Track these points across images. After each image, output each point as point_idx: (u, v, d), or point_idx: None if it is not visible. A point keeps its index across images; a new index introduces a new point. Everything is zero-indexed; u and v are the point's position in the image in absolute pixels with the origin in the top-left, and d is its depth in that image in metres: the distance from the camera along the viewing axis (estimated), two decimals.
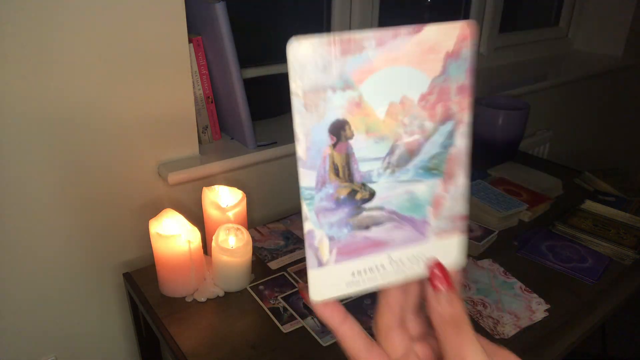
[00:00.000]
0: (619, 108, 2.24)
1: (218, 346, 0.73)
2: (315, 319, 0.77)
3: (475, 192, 1.10)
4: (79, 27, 0.77)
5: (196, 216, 0.97)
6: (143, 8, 0.82)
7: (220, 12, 0.88)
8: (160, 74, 0.88)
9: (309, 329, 0.76)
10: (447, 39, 0.25)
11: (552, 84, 1.73)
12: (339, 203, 0.27)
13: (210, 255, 0.84)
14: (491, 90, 1.57)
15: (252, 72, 1.23)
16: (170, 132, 0.93)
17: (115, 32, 0.80)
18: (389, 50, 0.24)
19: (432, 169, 0.27)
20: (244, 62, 1.10)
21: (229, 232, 0.81)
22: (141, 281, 0.87)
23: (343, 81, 0.24)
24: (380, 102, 0.25)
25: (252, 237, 0.98)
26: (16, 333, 0.90)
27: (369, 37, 0.24)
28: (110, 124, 0.86)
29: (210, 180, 1.00)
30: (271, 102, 1.17)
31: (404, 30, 0.24)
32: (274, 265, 0.91)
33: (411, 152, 0.27)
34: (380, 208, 0.27)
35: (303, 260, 0.93)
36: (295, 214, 1.09)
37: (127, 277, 0.88)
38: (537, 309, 0.81)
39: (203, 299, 0.82)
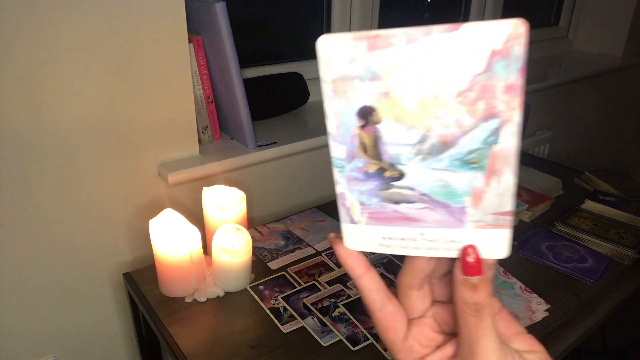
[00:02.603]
0: (619, 108, 2.24)
1: (218, 346, 0.73)
2: (315, 319, 0.77)
3: None
4: (77, 28, 0.77)
5: (196, 216, 0.97)
6: (143, 8, 0.82)
7: (220, 12, 0.88)
8: (160, 74, 0.88)
9: (309, 329, 0.76)
10: (493, 36, 0.25)
11: (552, 84, 1.72)
12: (368, 176, 0.30)
13: (210, 255, 0.84)
14: None
15: (252, 72, 1.23)
16: (170, 132, 0.93)
17: (115, 33, 0.80)
18: (420, 46, 0.25)
19: (471, 162, 0.27)
20: (244, 62, 1.10)
21: (229, 232, 0.81)
22: (141, 281, 0.87)
23: (371, 73, 0.26)
24: (410, 94, 0.26)
25: (252, 237, 0.98)
26: (16, 333, 0.90)
27: (397, 34, 0.25)
28: (110, 125, 0.86)
29: (210, 180, 1.00)
30: (271, 102, 1.17)
31: (437, 28, 0.24)
32: (274, 265, 0.91)
33: (445, 144, 0.27)
34: (411, 188, 0.29)
35: (303, 260, 0.93)
36: (295, 214, 1.09)
37: (127, 277, 0.88)
38: (537, 309, 0.81)
39: (203, 299, 0.82)
